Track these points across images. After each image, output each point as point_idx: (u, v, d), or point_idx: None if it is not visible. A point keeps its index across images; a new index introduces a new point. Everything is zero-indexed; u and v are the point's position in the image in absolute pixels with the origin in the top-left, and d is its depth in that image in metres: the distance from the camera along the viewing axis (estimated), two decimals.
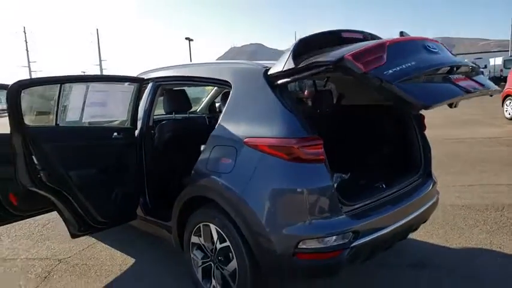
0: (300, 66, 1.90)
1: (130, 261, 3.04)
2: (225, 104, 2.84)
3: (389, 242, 2.19)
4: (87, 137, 2.49)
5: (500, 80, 25.39)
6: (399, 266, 2.70)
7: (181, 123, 3.29)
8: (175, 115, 3.17)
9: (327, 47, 2.04)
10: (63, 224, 3.88)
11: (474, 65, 2.24)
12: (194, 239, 2.36)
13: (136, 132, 2.78)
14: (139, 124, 2.80)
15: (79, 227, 2.51)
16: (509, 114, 9.46)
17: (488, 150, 6.28)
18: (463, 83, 2.00)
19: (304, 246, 1.88)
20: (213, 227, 2.20)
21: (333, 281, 2.49)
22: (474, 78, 2.15)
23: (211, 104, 4.37)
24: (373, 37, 2.39)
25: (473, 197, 3.97)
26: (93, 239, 3.48)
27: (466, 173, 4.95)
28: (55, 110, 2.28)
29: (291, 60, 1.94)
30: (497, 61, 29.00)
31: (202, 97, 4.78)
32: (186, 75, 2.78)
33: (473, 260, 2.73)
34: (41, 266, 3.05)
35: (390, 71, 1.76)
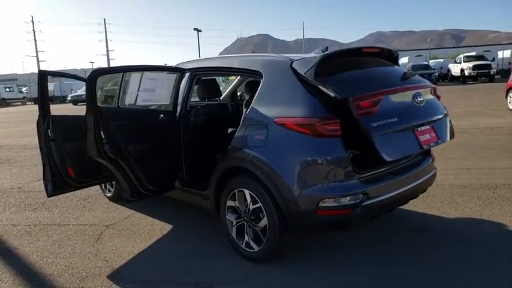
0: (315, 82, 2.41)
1: (168, 227, 3.53)
2: (249, 92, 3.31)
3: (392, 204, 2.66)
4: (141, 117, 2.96)
5: (508, 73, 25.48)
6: (402, 230, 3.17)
7: (213, 109, 3.75)
8: (208, 101, 3.63)
9: (349, 57, 2.74)
10: (103, 197, 4.45)
11: (445, 115, 2.86)
12: (230, 203, 2.82)
13: (176, 115, 3.25)
14: (178, 108, 3.26)
15: (131, 193, 3.00)
16: None
17: (488, 138, 6.67)
18: (423, 137, 2.61)
19: (323, 205, 2.34)
20: (246, 191, 2.67)
21: (346, 235, 2.99)
22: (437, 128, 2.75)
23: (233, 93, 4.81)
24: (389, 51, 2.97)
25: (470, 178, 4.41)
26: (132, 210, 3.98)
27: (465, 158, 5.37)
28: (117, 94, 2.74)
29: (312, 71, 2.44)
30: (505, 54, 28.99)
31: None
32: (221, 66, 3.23)
33: (464, 226, 3.19)
34: (91, 230, 3.56)
35: (375, 124, 2.34)
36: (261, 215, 2.61)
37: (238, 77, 4.51)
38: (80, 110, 2.77)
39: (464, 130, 7.52)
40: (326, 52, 2.75)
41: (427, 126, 2.68)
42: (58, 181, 3.20)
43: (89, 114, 2.60)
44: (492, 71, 23.70)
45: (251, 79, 3.61)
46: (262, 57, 2.97)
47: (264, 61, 2.84)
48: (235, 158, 2.74)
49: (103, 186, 4.36)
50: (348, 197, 2.35)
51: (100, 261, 2.91)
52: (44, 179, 3.25)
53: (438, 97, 2.97)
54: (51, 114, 3.12)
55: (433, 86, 2.94)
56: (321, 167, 2.35)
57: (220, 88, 4.97)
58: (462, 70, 24.13)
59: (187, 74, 3.33)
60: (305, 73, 2.47)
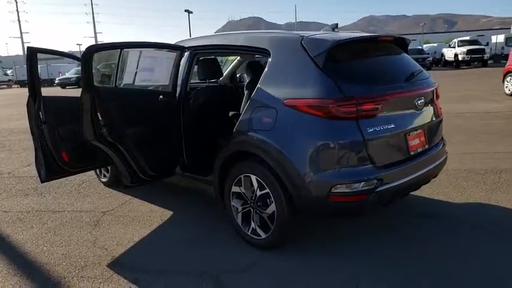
0: (325, 68, 2.29)
1: (169, 213, 3.40)
2: (250, 73, 3.13)
3: (406, 190, 2.56)
4: (139, 98, 2.78)
5: (501, 58, 25.56)
6: (410, 216, 3.10)
7: (213, 90, 3.57)
8: (208, 83, 3.45)
9: (362, 44, 2.63)
10: (99, 182, 4.29)
11: (438, 118, 2.83)
12: (235, 189, 2.70)
13: (176, 96, 3.07)
14: (178, 89, 3.08)
15: (131, 178, 2.85)
16: (509, 90, 9.75)
17: (487, 123, 6.63)
18: (412, 142, 2.52)
19: (336, 191, 2.23)
20: (253, 177, 2.54)
21: (355, 222, 2.90)
22: (428, 132, 2.68)
23: (232, 74, 4.62)
24: (401, 39, 2.84)
25: (474, 163, 4.35)
26: (129, 195, 3.84)
27: (466, 142, 5.32)
28: (115, 73, 2.55)
29: (323, 56, 2.30)
30: (499, 39, 28.95)
31: None
32: (223, 43, 3.04)
33: (472, 212, 3.12)
34: (88, 216, 3.42)
35: (371, 129, 2.25)
36: (268, 201, 2.49)
37: (238, 58, 4.32)
38: (68, 92, 2.58)
39: (462, 114, 7.48)
40: (338, 35, 2.56)
41: (419, 130, 2.60)
42: (51, 166, 3.03)
43: (85, 94, 2.41)
44: (486, 56, 23.68)
45: (253, 59, 3.43)
46: (270, 33, 2.78)
47: (272, 38, 2.66)
48: (241, 142, 2.60)
49: (98, 171, 4.19)
50: (362, 183, 2.24)
51: (99, 249, 2.78)
52: (36, 164, 3.08)
53: (437, 96, 2.88)
54: (43, 95, 2.92)
55: (435, 86, 2.83)
56: (334, 152, 2.23)
57: None
58: (456, 55, 24.04)
59: (187, 53, 3.14)
60: (315, 56, 2.33)
